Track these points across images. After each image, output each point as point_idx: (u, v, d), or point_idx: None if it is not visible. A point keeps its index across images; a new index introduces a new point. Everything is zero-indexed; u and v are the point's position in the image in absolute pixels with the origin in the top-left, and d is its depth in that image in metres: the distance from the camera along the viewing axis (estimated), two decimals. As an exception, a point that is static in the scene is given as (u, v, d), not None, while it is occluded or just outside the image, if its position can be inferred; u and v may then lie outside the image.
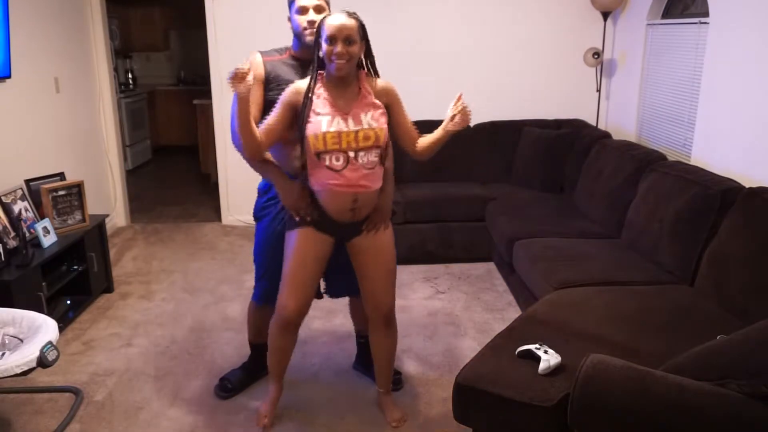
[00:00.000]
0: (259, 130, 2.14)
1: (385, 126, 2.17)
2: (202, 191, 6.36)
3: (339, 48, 2.03)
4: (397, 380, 2.77)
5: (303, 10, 2.28)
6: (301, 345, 3.12)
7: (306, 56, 2.30)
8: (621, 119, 4.69)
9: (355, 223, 2.27)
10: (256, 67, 2.34)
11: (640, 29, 4.32)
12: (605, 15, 4.54)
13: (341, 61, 2.05)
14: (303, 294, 2.30)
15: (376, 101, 2.17)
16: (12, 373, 2.13)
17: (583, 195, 3.92)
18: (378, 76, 2.23)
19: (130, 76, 7.96)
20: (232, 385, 2.74)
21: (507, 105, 4.91)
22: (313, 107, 2.11)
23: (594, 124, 4.82)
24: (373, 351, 2.53)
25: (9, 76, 3.41)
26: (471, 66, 4.86)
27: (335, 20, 2.05)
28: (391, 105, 2.22)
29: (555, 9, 4.76)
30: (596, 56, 4.55)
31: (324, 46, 2.06)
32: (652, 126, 4.23)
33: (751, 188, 2.64)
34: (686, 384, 1.64)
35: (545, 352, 2.02)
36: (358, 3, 4.76)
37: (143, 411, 2.63)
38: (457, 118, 2.13)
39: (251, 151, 2.14)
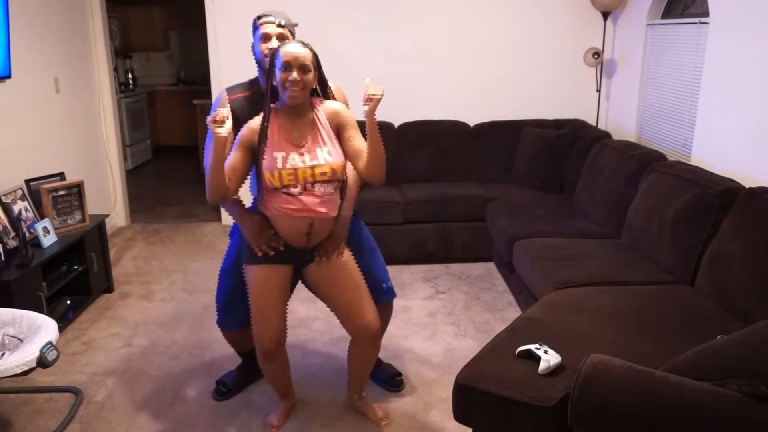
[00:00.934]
0: (230, 167, 2.10)
1: (342, 158, 2.13)
2: (202, 191, 6.36)
3: (294, 75, 2.02)
4: (398, 381, 2.77)
5: (266, 38, 2.27)
6: (301, 345, 3.12)
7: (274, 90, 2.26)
8: (621, 119, 4.69)
9: (309, 249, 2.27)
10: (222, 104, 2.33)
11: (640, 29, 4.32)
12: (605, 15, 4.54)
13: (296, 88, 2.03)
14: (272, 325, 2.28)
15: (330, 131, 2.14)
16: (12, 373, 2.13)
17: (583, 195, 3.92)
18: (328, 98, 2.20)
19: (130, 76, 7.96)
20: (227, 388, 2.74)
21: (507, 105, 4.91)
22: (268, 144, 2.10)
23: (594, 124, 4.83)
24: (351, 360, 2.47)
25: (9, 76, 3.41)
26: (471, 66, 4.86)
27: (290, 48, 2.04)
28: (340, 127, 2.16)
29: (555, 9, 4.77)
30: (596, 56, 4.55)
31: (278, 74, 2.05)
32: (652, 126, 4.23)
33: (751, 188, 2.63)
34: (686, 384, 1.64)
35: (545, 352, 2.02)
36: (358, 2, 4.78)
37: (143, 411, 2.63)
38: (368, 95, 1.98)
39: (216, 194, 2.04)
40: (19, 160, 3.64)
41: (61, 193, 3.55)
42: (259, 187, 2.16)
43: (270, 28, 2.27)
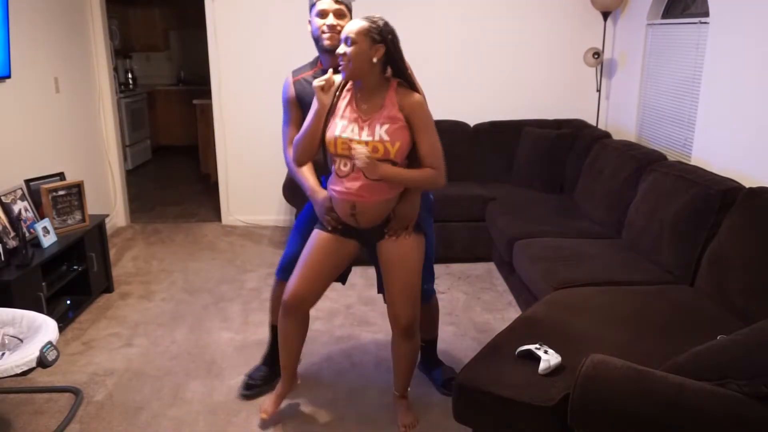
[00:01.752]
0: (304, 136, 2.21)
1: (400, 142, 2.11)
2: (202, 191, 6.36)
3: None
4: (448, 382, 2.71)
5: (323, 14, 2.29)
6: (301, 345, 3.12)
7: (333, 66, 2.27)
8: (621, 119, 4.69)
9: (377, 228, 2.29)
10: (288, 88, 2.44)
11: (640, 29, 4.32)
12: (605, 15, 4.54)
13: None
14: (309, 283, 2.33)
15: (399, 114, 2.12)
16: (12, 373, 2.12)
17: (583, 195, 3.92)
18: (417, 91, 2.18)
19: (130, 76, 7.96)
20: (254, 382, 2.73)
21: (507, 105, 4.91)
22: (336, 109, 2.16)
23: (594, 124, 4.82)
24: (393, 356, 2.50)
25: (9, 76, 3.41)
26: (471, 66, 4.86)
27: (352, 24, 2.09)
28: (410, 120, 2.14)
29: (555, 9, 4.76)
30: (596, 56, 4.55)
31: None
32: (652, 126, 4.23)
33: (751, 188, 2.63)
34: (686, 384, 1.64)
35: (545, 352, 2.02)
36: (357, 3, 4.77)
37: (143, 411, 2.63)
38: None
39: (308, 157, 2.25)
40: (19, 160, 3.64)
41: (61, 193, 3.55)
42: (327, 161, 2.24)
43: (326, 4, 2.28)
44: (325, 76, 2.08)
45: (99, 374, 2.92)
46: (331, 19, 2.28)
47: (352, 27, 2.06)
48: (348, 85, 2.19)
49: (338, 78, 2.15)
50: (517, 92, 4.92)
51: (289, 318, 2.40)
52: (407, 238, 2.30)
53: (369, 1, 4.83)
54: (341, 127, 2.14)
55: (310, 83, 2.35)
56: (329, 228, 2.31)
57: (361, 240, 2.35)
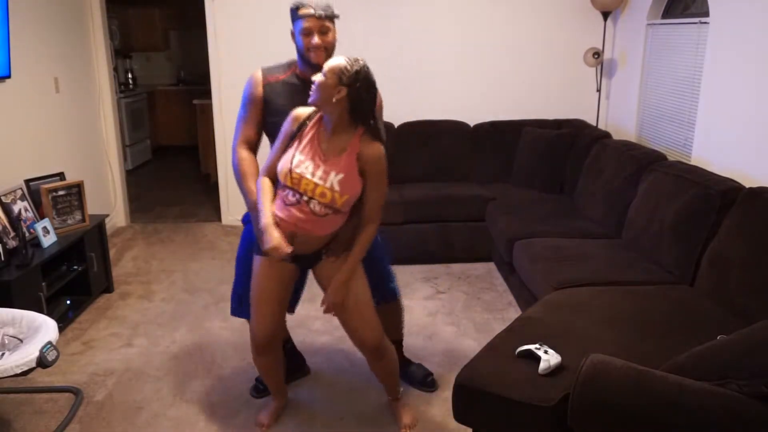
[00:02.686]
0: (266, 167, 2.19)
1: (348, 195, 2.09)
2: (202, 191, 6.36)
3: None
4: (431, 382, 2.77)
5: (307, 32, 2.22)
6: (301, 345, 3.12)
7: (309, 76, 2.22)
8: (621, 119, 4.69)
9: (314, 252, 2.24)
10: (255, 85, 2.33)
11: (640, 29, 4.32)
12: (605, 15, 4.54)
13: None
14: (266, 319, 2.28)
15: (356, 163, 2.09)
16: (12, 373, 2.12)
17: (583, 195, 3.92)
18: (381, 142, 2.14)
19: (130, 76, 7.96)
20: (263, 385, 2.73)
21: (507, 105, 4.91)
22: (299, 139, 2.12)
23: (594, 124, 4.82)
24: (372, 371, 2.48)
25: (9, 76, 3.41)
26: (471, 66, 4.86)
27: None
28: (365, 171, 2.11)
29: (555, 9, 4.76)
30: (596, 56, 4.55)
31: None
32: (652, 126, 4.23)
33: (751, 188, 2.63)
34: (686, 384, 1.64)
35: (545, 352, 2.02)
36: (356, 3, 4.77)
37: (143, 411, 2.63)
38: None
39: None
40: (19, 160, 3.64)
41: (60, 193, 3.55)
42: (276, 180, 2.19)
43: (310, 22, 2.21)
44: (274, 244, 2.04)
45: (99, 374, 2.92)
46: (316, 40, 2.21)
47: (331, 62, 2.04)
48: (316, 118, 2.14)
49: (307, 110, 2.14)
50: (517, 92, 4.92)
51: (263, 356, 2.37)
52: (347, 257, 2.23)
53: (368, 3, 4.85)
54: (297, 161, 2.09)
55: (282, 86, 2.31)
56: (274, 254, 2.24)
57: (297, 262, 2.27)
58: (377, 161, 2.11)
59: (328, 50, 2.26)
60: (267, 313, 2.28)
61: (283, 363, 2.50)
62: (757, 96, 2.95)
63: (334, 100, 2.03)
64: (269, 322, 2.29)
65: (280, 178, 2.11)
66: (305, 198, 2.08)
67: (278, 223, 2.12)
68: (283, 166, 2.11)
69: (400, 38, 4.79)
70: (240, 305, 2.57)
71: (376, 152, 2.10)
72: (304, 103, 2.17)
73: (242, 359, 3.03)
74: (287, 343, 2.80)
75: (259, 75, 2.34)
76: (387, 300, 2.63)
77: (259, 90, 2.32)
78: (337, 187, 2.07)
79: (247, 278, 2.41)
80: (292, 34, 2.29)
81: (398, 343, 2.84)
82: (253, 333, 2.32)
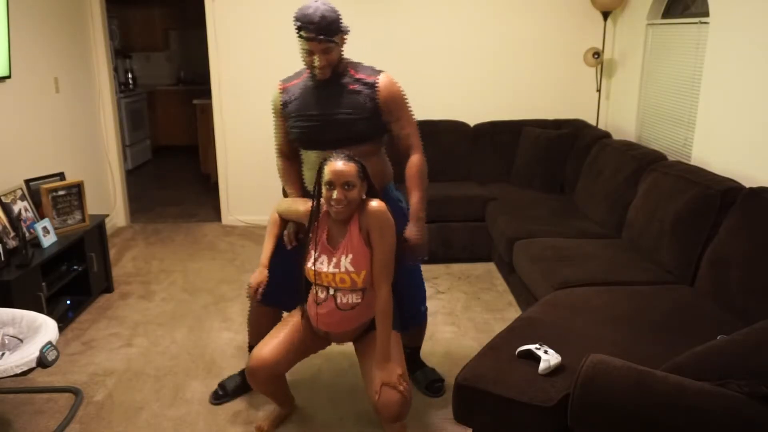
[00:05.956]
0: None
1: (365, 271, 2.10)
2: (202, 191, 6.36)
3: (337, 194, 2.03)
4: (438, 387, 2.74)
5: (309, 53, 2.21)
6: (301, 345, 3.12)
7: (320, 79, 2.32)
8: (621, 119, 4.69)
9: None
10: (275, 95, 2.44)
11: (640, 29, 4.32)
12: (605, 15, 4.54)
13: (339, 206, 2.05)
14: (269, 348, 2.24)
15: (361, 236, 2.09)
16: (12, 373, 2.12)
17: (583, 195, 3.92)
18: (376, 194, 2.15)
19: (130, 76, 7.96)
20: (224, 392, 2.70)
21: (507, 105, 4.91)
22: (315, 239, 2.15)
23: (594, 124, 4.83)
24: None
25: (9, 76, 3.41)
26: (471, 66, 4.86)
27: (334, 165, 2.03)
28: (370, 232, 2.10)
29: (555, 9, 4.76)
30: (596, 56, 4.55)
31: (323, 190, 2.07)
32: (652, 126, 4.23)
33: (751, 188, 2.63)
34: (686, 384, 1.64)
35: (545, 352, 2.02)
36: (356, 3, 4.77)
37: (143, 411, 2.63)
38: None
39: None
40: (19, 160, 3.64)
41: (60, 193, 3.55)
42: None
43: (312, 45, 2.18)
44: (251, 282, 2.28)
45: (99, 374, 2.92)
46: (317, 61, 2.21)
47: (348, 171, 2.02)
48: (319, 214, 2.15)
49: (306, 206, 2.21)
50: (517, 92, 4.92)
51: (258, 383, 2.30)
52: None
53: (369, 2, 4.84)
54: (313, 258, 2.14)
55: (297, 89, 2.39)
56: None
57: (332, 340, 2.32)
58: (374, 215, 2.08)
59: (333, 66, 2.28)
60: (274, 344, 2.25)
61: (281, 387, 2.44)
62: (757, 96, 2.95)
63: (363, 197, 2.11)
64: (270, 352, 2.23)
65: (306, 275, 2.19)
66: (331, 291, 2.13)
67: (311, 319, 2.22)
68: (306, 267, 2.16)
69: (401, 38, 4.79)
70: (265, 293, 2.49)
71: (371, 208, 2.09)
72: (315, 102, 2.27)
73: (242, 359, 3.03)
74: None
75: (278, 85, 2.45)
76: (418, 323, 2.67)
77: (279, 100, 2.43)
78: (351, 268, 2.10)
79: (275, 269, 2.41)
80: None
81: (416, 348, 2.85)
82: (252, 354, 2.28)
